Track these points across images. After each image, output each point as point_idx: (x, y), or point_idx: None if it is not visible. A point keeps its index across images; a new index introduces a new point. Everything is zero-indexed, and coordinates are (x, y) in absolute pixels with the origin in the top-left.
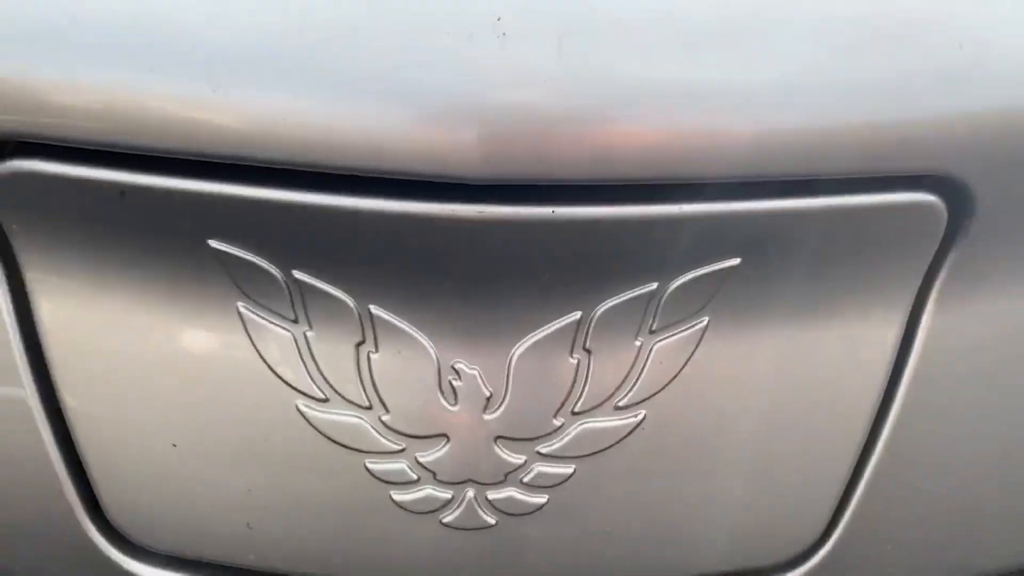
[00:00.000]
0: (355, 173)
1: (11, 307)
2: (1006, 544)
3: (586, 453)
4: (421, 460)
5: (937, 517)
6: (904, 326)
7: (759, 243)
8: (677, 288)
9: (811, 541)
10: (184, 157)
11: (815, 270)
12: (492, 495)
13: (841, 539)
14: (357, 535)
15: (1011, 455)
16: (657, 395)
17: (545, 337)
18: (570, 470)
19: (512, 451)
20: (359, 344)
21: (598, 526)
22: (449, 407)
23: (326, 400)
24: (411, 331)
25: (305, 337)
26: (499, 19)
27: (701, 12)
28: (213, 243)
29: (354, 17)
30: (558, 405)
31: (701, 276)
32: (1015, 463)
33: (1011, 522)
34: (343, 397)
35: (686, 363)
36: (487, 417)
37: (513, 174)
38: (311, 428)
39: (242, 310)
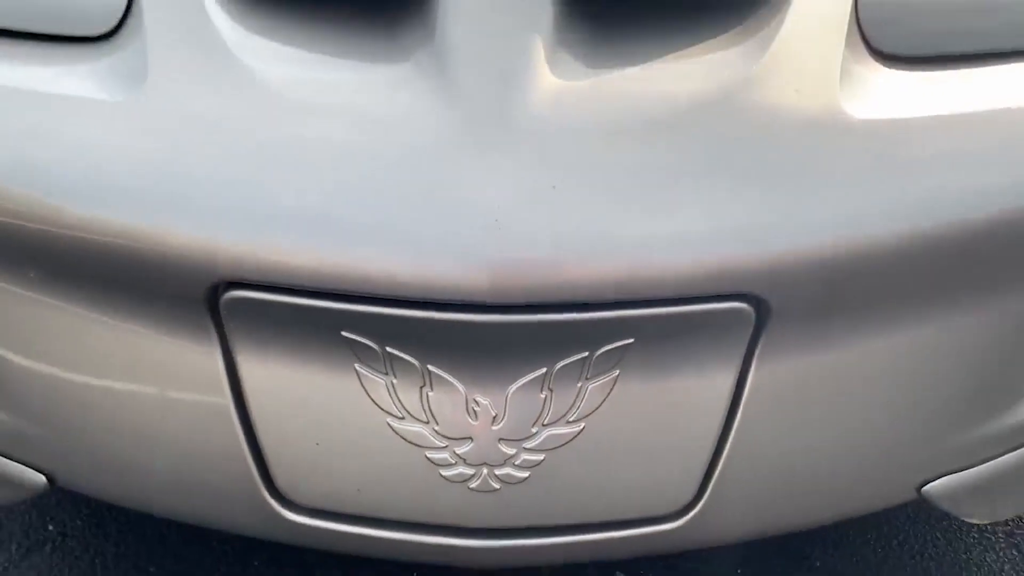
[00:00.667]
0: (425, 298)
1: (223, 366)
2: (831, 501)
3: (550, 448)
4: (457, 452)
5: (773, 488)
6: (738, 374)
7: (644, 331)
8: (600, 354)
9: (687, 501)
10: (343, 292)
11: (678, 345)
12: (498, 472)
13: (706, 502)
14: (421, 498)
15: (820, 441)
16: (591, 415)
17: (527, 382)
18: (542, 458)
19: (509, 447)
20: (421, 387)
21: (558, 489)
22: (472, 422)
23: (403, 418)
24: (450, 379)
25: (392, 384)
26: (496, 220)
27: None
28: (345, 333)
29: (421, 215)
30: (534, 420)
31: (612, 348)
32: (826, 445)
33: (828, 485)
34: (412, 416)
35: (607, 397)
36: (494, 428)
37: (505, 299)
38: (395, 435)
39: (358, 368)
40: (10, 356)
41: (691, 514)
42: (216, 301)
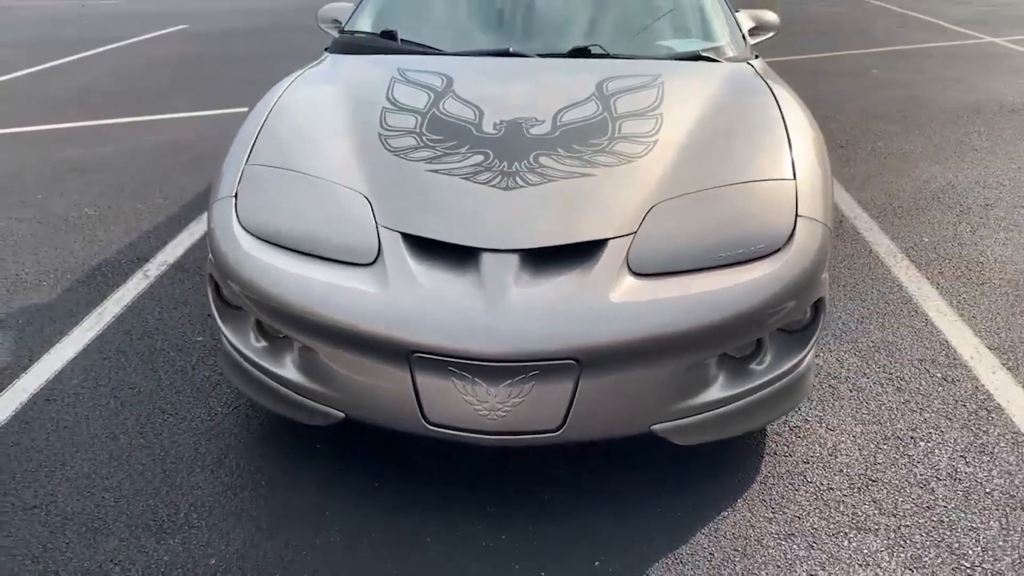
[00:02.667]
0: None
1: (410, 376)
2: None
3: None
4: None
5: (594, 415)
6: (575, 383)
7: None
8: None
9: (558, 424)
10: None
11: (557, 372)
12: None
13: (568, 425)
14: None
15: (608, 408)
16: (527, 396)
17: (509, 382)
18: (505, 414)
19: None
20: (457, 381)
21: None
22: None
23: (467, 396)
24: (474, 378)
25: (455, 384)
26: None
27: None
28: (451, 368)
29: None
30: (505, 399)
31: (533, 373)
32: (611, 409)
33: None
34: (460, 389)
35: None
36: (498, 410)
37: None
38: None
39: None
40: (337, 367)
41: (563, 429)
42: (410, 356)
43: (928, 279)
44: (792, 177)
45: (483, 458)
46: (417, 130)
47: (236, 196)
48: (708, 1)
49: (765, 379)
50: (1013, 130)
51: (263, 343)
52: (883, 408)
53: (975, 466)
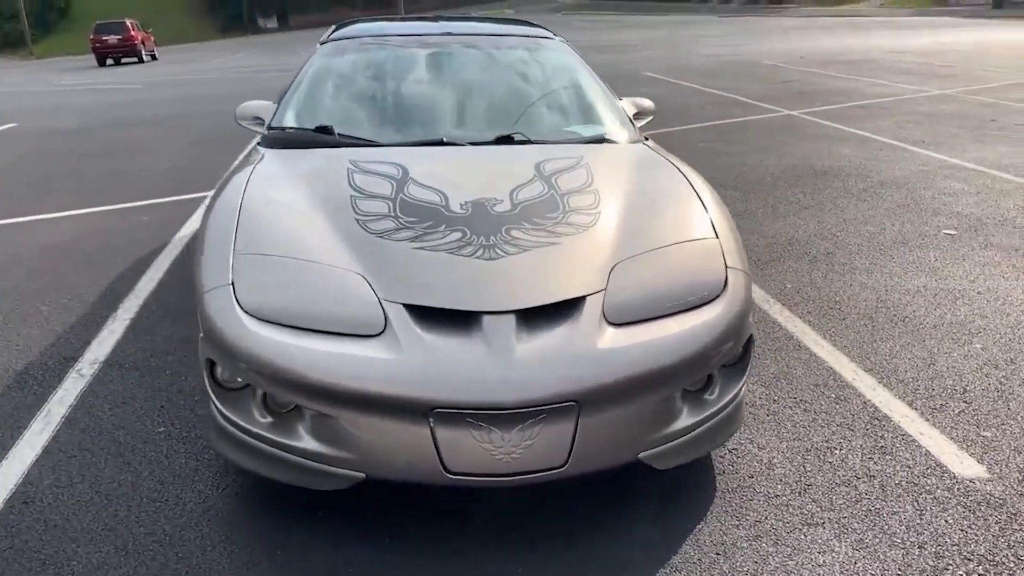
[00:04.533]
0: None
1: (430, 431)
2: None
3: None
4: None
5: (596, 446)
6: (576, 421)
7: (552, 412)
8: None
9: (563, 460)
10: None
11: (561, 414)
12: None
13: (571, 462)
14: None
15: (602, 440)
16: (543, 430)
17: (525, 424)
18: (531, 442)
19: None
20: (473, 431)
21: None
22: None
23: (481, 438)
24: (488, 426)
25: (473, 433)
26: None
27: None
28: (468, 420)
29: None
30: (525, 441)
31: (541, 415)
32: (605, 440)
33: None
34: (476, 436)
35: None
36: (512, 452)
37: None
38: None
39: (471, 430)
40: (357, 431)
41: (567, 465)
42: (430, 413)
43: (800, 318)
44: (716, 236)
45: (480, 508)
46: (392, 214)
47: (233, 284)
48: (598, 92)
49: (717, 407)
50: (831, 189)
51: (269, 418)
52: (798, 426)
53: (882, 464)
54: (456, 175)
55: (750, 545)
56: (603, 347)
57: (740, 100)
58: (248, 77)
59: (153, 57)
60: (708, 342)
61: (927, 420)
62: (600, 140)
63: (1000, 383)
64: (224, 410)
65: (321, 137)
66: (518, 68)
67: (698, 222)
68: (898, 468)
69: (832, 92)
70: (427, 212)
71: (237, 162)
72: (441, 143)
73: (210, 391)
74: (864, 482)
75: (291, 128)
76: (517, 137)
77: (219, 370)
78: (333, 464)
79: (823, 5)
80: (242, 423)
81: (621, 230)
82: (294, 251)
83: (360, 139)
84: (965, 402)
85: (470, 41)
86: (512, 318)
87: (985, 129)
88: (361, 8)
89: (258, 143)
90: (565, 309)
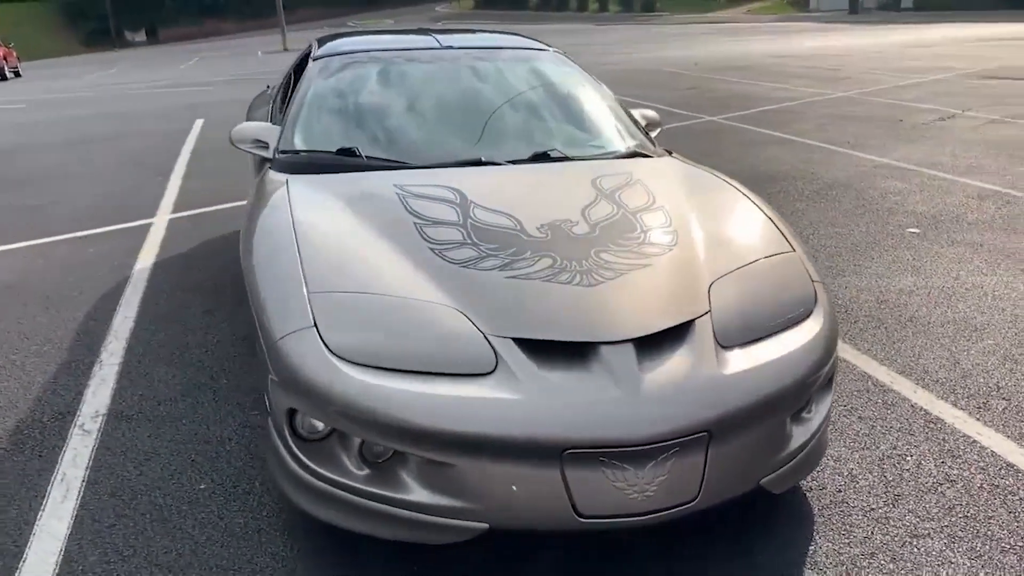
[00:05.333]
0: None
1: (560, 472)
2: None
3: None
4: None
5: (726, 474)
6: (706, 447)
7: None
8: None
9: (695, 494)
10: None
11: (695, 443)
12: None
13: (703, 493)
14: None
15: (736, 464)
16: (677, 461)
17: (658, 459)
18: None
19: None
20: (608, 470)
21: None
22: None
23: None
24: (623, 464)
25: (605, 472)
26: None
27: None
28: (601, 458)
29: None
30: (661, 473)
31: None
32: (738, 466)
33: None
34: (611, 479)
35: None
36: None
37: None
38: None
39: (603, 469)
40: (478, 478)
41: (698, 498)
42: (562, 454)
43: None
44: (793, 249)
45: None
46: (469, 241)
47: (316, 325)
48: (611, 104)
49: (817, 424)
50: (784, 193)
51: (366, 470)
52: (860, 435)
53: (957, 468)
54: (517, 196)
55: (869, 563)
56: (727, 372)
57: (659, 108)
58: (140, 94)
59: (17, 74)
60: (817, 359)
61: (978, 420)
62: (633, 154)
63: None
64: (309, 463)
65: (347, 160)
66: (528, 81)
67: (772, 236)
68: (974, 471)
69: (741, 97)
70: (505, 238)
71: (254, 191)
72: (480, 163)
73: (291, 443)
74: (949, 488)
75: (306, 151)
76: (553, 154)
77: (299, 420)
78: (451, 516)
79: (692, 12)
80: (333, 476)
81: (703, 248)
82: (375, 286)
83: (391, 160)
84: (1005, 399)
85: (473, 55)
86: (631, 347)
87: (898, 129)
88: (234, 21)
89: (270, 167)
90: (678, 334)
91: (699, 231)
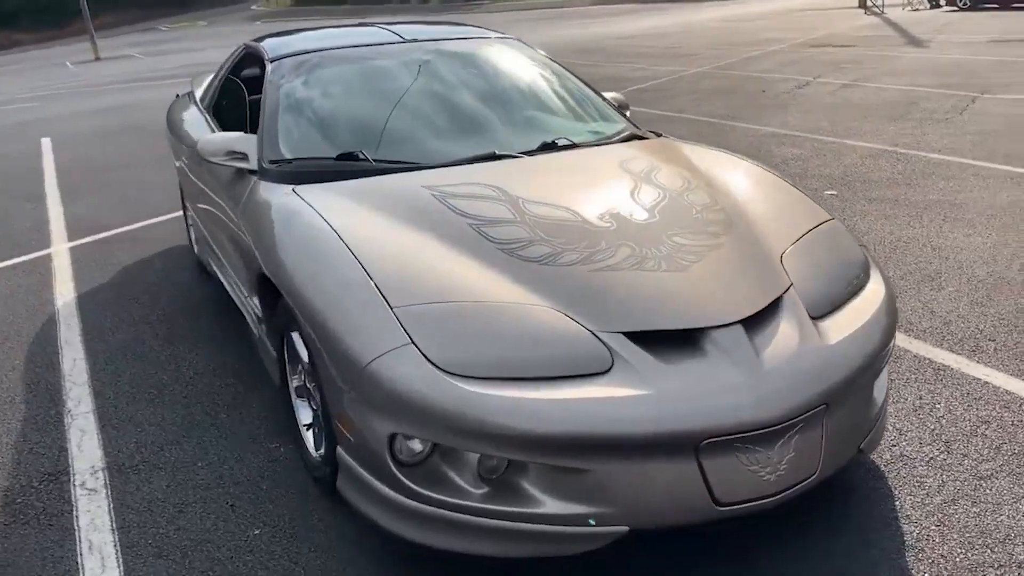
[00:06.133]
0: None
1: (696, 463)
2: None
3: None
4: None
5: (838, 440)
6: (824, 415)
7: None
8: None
9: (815, 468)
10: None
11: (817, 416)
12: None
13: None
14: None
15: (842, 432)
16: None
17: (788, 435)
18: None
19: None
20: (741, 452)
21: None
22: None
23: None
24: (758, 448)
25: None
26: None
27: None
28: (737, 445)
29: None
30: (789, 445)
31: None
32: (840, 434)
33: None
34: (747, 463)
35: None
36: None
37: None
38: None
39: (737, 454)
40: (614, 480)
41: (818, 471)
42: (698, 445)
43: None
44: (832, 217)
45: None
46: (537, 237)
47: (413, 342)
48: (584, 88)
49: (885, 382)
50: None
51: (484, 488)
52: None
53: (984, 409)
54: (558, 187)
55: (955, 510)
56: (831, 343)
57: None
58: None
59: None
60: (891, 320)
61: (979, 362)
62: (633, 137)
63: (998, 317)
64: (419, 488)
65: (353, 165)
66: (505, 70)
67: (808, 206)
68: (999, 410)
69: (607, 79)
70: (572, 231)
71: (243, 206)
72: (494, 156)
73: (393, 470)
74: (987, 428)
75: (301, 159)
76: (561, 142)
77: (398, 445)
78: (584, 523)
79: (511, 0)
80: (447, 499)
81: (758, 224)
82: (458, 294)
83: (401, 162)
84: (991, 340)
85: (440, 47)
86: (740, 329)
87: (763, 100)
88: (30, 32)
89: (258, 179)
90: (774, 310)
91: (745, 207)
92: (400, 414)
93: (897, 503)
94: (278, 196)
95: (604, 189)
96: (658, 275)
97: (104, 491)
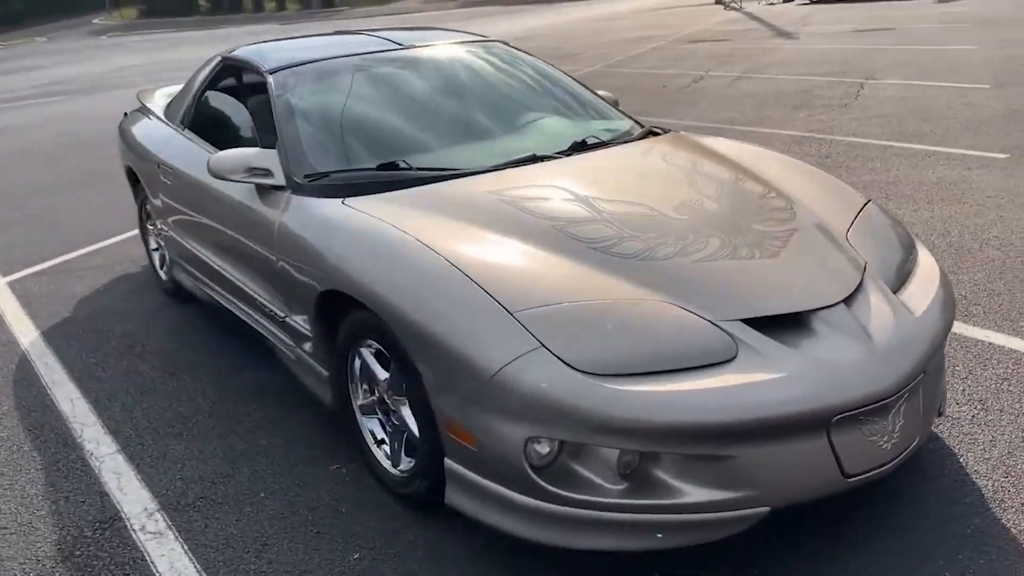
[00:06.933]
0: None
1: (827, 440)
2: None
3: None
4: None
5: (931, 405)
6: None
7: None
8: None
9: (917, 433)
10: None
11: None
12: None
13: (921, 430)
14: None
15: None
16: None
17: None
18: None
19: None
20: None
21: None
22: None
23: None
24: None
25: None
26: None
27: None
28: (861, 420)
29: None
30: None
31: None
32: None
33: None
34: (867, 429)
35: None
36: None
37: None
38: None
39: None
40: (757, 463)
41: (919, 437)
42: (829, 422)
43: None
44: (869, 199)
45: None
46: (626, 234)
47: (545, 345)
48: (582, 87)
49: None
50: None
51: (623, 484)
52: None
53: (1002, 368)
54: (620, 184)
55: (1016, 460)
56: (919, 315)
57: None
58: None
59: None
60: (949, 288)
61: (975, 325)
62: (650, 133)
63: (973, 284)
64: (559, 491)
65: (397, 174)
66: (509, 72)
67: (846, 190)
68: (1013, 366)
69: None
70: (656, 225)
71: (280, 224)
72: (534, 159)
73: (531, 475)
74: (1011, 384)
75: (340, 171)
76: (590, 140)
77: (531, 449)
78: (731, 508)
79: (372, 5)
80: (588, 498)
81: (815, 208)
82: (570, 294)
83: (443, 169)
84: (978, 305)
85: (441, 52)
86: (843, 307)
87: (667, 95)
88: None
89: (292, 194)
90: (862, 288)
91: (795, 193)
92: (538, 418)
93: (962, 459)
94: (331, 210)
95: (663, 183)
96: (755, 262)
97: (170, 533)
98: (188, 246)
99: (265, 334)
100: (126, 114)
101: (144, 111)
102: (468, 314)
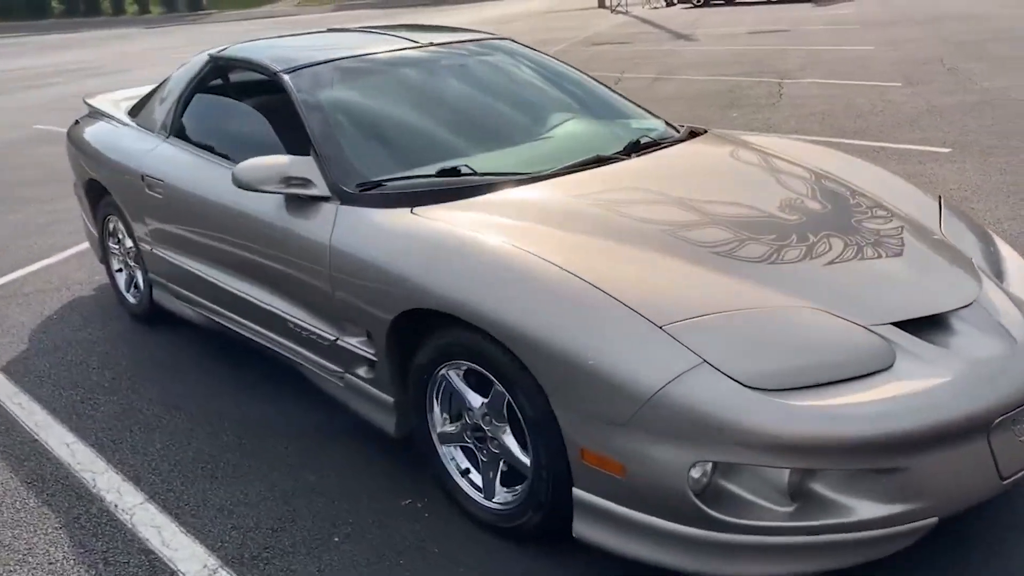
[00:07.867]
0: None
1: (987, 444)
2: None
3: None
4: None
5: None
6: None
7: None
8: None
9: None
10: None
11: None
12: None
13: None
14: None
15: None
16: None
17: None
18: None
19: None
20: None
21: None
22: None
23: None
24: None
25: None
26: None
27: None
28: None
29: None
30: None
31: None
32: None
33: None
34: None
35: None
36: None
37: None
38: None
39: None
40: (926, 473)
41: None
42: (990, 424)
43: None
44: (939, 195)
45: None
46: (746, 236)
47: (706, 361)
48: (602, 88)
49: None
50: None
51: (791, 505)
52: None
53: None
54: (712, 186)
55: None
56: None
57: None
58: None
59: None
60: None
61: None
62: (695, 133)
63: None
64: (726, 518)
65: (464, 180)
66: (539, 71)
67: (910, 185)
68: None
69: None
70: (772, 227)
71: (332, 239)
72: (599, 161)
73: (695, 502)
74: None
75: (396, 179)
76: (643, 140)
77: (693, 474)
78: (902, 521)
79: (241, 8)
80: (754, 523)
81: (899, 205)
82: (713, 304)
83: (509, 174)
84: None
85: (465, 50)
86: (979, 305)
87: (624, 86)
88: None
89: (341, 204)
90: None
91: (876, 190)
92: (705, 441)
93: None
94: (401, 222)
95: (751, 183)
96: (884, 262)
97: None
98: (183, 266)
99: (296, 359)
100: (77, 121)
101: (103, 117)
102: (608, 331)
